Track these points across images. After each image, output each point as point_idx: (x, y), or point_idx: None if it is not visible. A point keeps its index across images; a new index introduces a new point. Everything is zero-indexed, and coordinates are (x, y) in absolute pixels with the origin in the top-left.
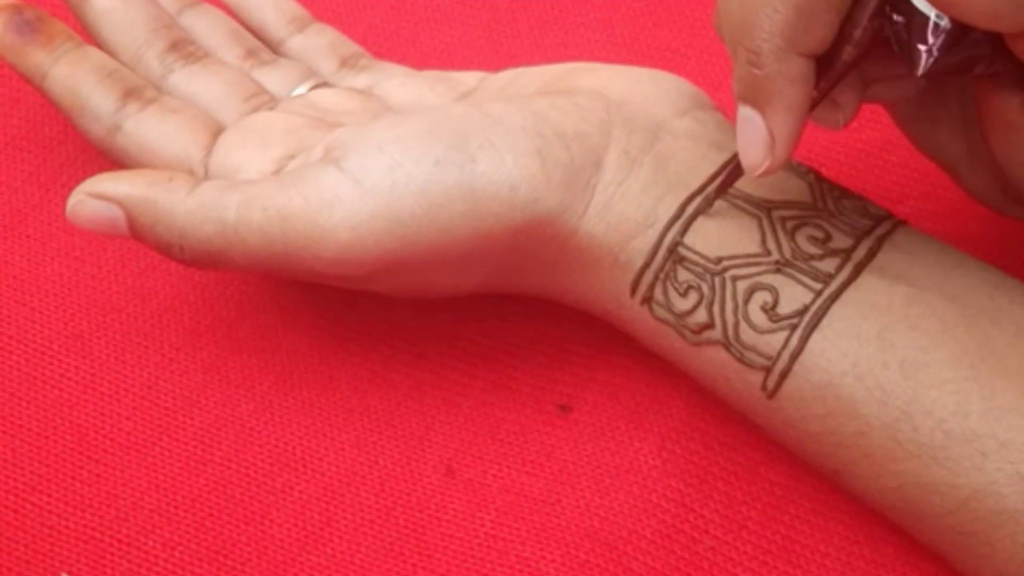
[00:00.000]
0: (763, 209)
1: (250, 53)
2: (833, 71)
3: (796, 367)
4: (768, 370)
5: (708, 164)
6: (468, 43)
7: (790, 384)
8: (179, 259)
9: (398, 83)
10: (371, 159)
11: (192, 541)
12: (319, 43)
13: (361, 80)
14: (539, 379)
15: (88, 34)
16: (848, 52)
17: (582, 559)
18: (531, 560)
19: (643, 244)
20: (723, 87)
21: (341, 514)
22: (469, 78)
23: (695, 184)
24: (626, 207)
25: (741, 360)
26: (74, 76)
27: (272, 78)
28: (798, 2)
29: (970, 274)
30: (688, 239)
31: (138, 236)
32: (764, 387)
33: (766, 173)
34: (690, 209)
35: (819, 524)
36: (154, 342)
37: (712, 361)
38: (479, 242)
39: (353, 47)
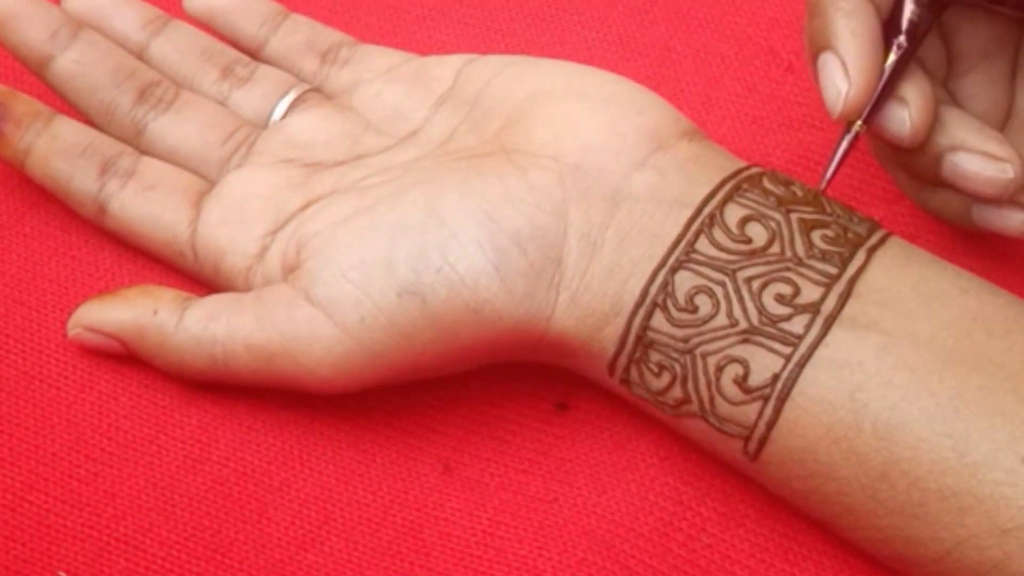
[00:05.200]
0: (728, 273)
1: (226, 71)
2: (902, 32)
3: (773, 434)
4: (747, 438)
5: (671, 227)
6: (465, 41)
7: (770, 449)
8: (183, 380)
9: (374, 93)
10: (337, 290)
11: (190, 539)
12: (296, 42)
13: (343, 77)
14: (537, 377)
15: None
16: (913, 11)
17: (580, 557)
18: (529, 558)
19: (613, 332)
20: (719, 85)
21: (339, 512)
22: (447, 72)
23: (658, 256)
24: (592, 299)
25: (720, 430)
26: (49, 162)
27: (252, 97)
28: None
29: (948, 306)
30: (655, 322)
31: (143, 361)
32: (746, 452)
33: (849, 106)
34: (653, 290)
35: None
36: None
37: (694, 429)
38: (454, 356)
39: (332, 36)
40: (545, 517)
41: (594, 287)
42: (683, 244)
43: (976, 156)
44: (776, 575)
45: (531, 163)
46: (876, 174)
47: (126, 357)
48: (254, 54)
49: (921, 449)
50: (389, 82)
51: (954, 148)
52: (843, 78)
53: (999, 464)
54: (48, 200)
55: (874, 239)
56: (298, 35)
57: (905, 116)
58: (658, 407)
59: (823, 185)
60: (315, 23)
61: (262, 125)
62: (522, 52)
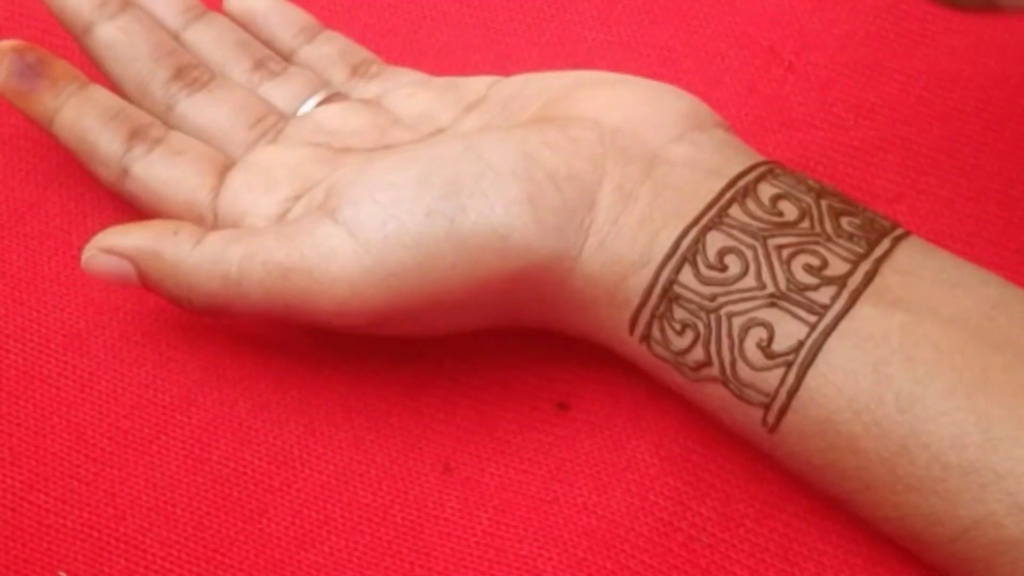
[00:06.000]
0: (759, 238)
1: (258, 64)
2: None
3: (794, 403)
4: (767, 406)
5: (704, 193)
6: (465, 42)
7: (789, 419)
8: (188, 310)
9: (407, 94)
10: (364, 210)
11: (190, 539)
12: (329, 52)
13: (372, 88)
14: (537, 377)
15: (93, 65)
16: None
17: (580, 557)
18: (528, 558)
19: (639, 283)
20: (719, 85)
21: (338, 512)
22: (479, 85)
23: (691, 215)
24: (621, 245)
25: (740, 396)
26: (80, 120)
27: (281, 91)
28: None
29: (969, 293)
30: (683, 277)
31: (150, 288)
32: (764, 422)
33: None
34: (684, 244)
35: (816, 522)
36: (152, 341)
37: (712, 396)
38: (474, 290)
39: (364, 54)
40: (545, 517)
41: (624, 235)
42: (716, 208)
43: None
44: (776, 575)
45: (572, 123)
46: (876, 173)
47: (126, 356)
48: (286, 58)
49: (943, 423)
50: (421, 87)
51: None
52: None
53: (1022, 441)
54: (48, 200)
55: (898, 232)
56: (332, 47)
57: None
58: (677, 369)
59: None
60: (350, 41)
61: (291, 116)
62: (523, 52)
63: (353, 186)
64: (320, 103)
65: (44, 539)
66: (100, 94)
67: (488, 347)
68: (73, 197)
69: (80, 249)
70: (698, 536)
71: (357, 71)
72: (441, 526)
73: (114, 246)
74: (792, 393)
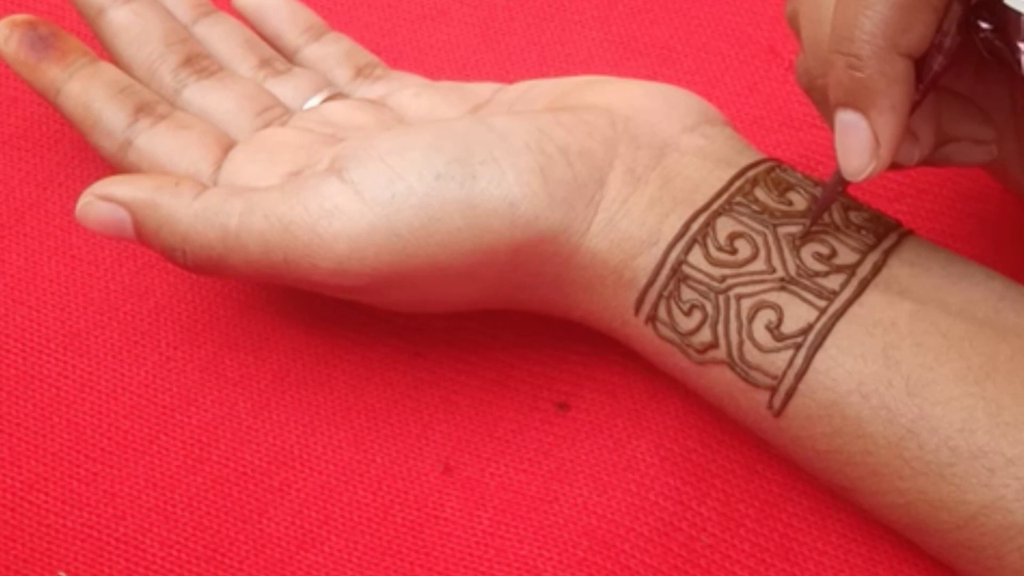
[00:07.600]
0: (768, 226)
1: (264, 63)
2: (924, 81)
3: (801, 386)
4: (774, 389)
5: (715, 180)
6: (465, 41)
7: (796, 403)
8: (182, 264)
9: (412, 94)
10: (373, 170)
11: (190, 539)
12: (334, 52)
13: (376, 90)
14: (537, 377)
15: (103, 48)
16: (938, 61)
17: (580, 557)
18: (529, 558)
19: (647, 262)
20: (719, 85)
21: (339, 512)
22: (484, 89)
23: (701, 201)
24: (630, 225)
25: (746, 379)
26: (87, 92)
27: (286, 88)
28: (898, 1)
29: (975, 285)
30: (692, 257)
31: (143, 240)
32: (770, 406)
33: (869, 177)
34: (695, 227)
35: (816, 522)
36: (152, 341)
37: (718, 380)
38: (479, 258)
39: (369, 56)
40: (545, 517)
41: (633, 214)
42: (726, 195)
43: (966, 144)
44: (776, 575)
45: (584, 109)
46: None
47: (126, 356)
48: (291, 57)
49: (952, 407)
50: (426, 88)
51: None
52: (871, 154)
53: None
54: (48, 200)
55: (903, 229)
56: (338, 48)
57: (915, 153)
58: (683, 352)
59: (807, 228)
60: (356, 43)
61: (296, 110)
62: (523, 51)
63: (361, 150)
64: (324, 101)
65: (44, 539)
66: (109, 70)
67: (488, 347)
68: (73, 197)
69: (79, 248)
70: (698, 536)
71: (361, 72)
72: (441, 526)
73: (112, 194)
74: (800, 375)
